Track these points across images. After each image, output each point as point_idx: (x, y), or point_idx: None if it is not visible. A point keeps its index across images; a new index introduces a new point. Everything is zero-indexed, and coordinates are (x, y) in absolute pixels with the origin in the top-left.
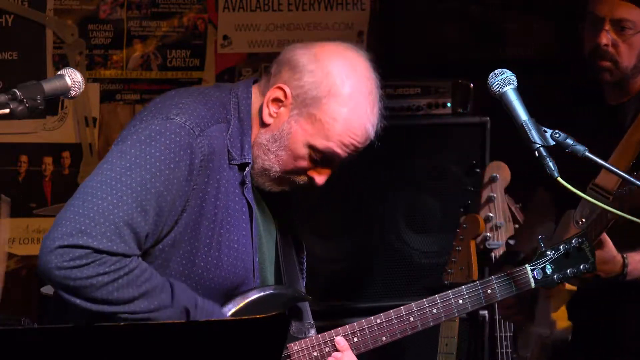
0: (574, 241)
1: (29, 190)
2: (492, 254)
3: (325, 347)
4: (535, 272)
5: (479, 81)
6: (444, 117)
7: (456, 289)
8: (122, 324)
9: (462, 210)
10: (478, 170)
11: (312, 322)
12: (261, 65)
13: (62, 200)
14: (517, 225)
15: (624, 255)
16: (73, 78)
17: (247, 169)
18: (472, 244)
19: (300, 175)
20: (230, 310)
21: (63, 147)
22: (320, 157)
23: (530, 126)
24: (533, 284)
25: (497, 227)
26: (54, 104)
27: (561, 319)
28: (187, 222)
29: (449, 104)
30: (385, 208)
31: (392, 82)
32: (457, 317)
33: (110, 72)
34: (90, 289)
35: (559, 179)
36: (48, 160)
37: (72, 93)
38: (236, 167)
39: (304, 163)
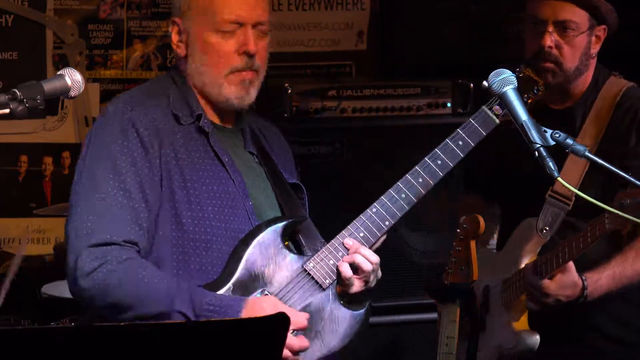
0: (517, 69)
1: (29, 190)
2: None
3: (337, 253)
4: (493, 109)
5: (479, 81)
6: (444, 117)
7: (432, 154)
8: (122, 324)
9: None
10: None
11: (322, 240)
12: None
13: (62, 200)
14: None
15: (583, 278)
16: (73, 78)
17: (202, 118)
18: (472, 244)
19: (236, 60)
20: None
21: (63, 147)
22: (229, 31)
23: (530, 126)
24: (496, 119)
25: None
26: (54, 104)
27: (525, 329)
28: (164, 191)
29: (449, 104)
30: None
31: (392, 82)
32: (457, 317)
33: (110, 72)
34: (102, 293)
35: (559, 179)
36: (48, 160)
37: (72, 93)
38: (192, 125)
39: (225, 48)
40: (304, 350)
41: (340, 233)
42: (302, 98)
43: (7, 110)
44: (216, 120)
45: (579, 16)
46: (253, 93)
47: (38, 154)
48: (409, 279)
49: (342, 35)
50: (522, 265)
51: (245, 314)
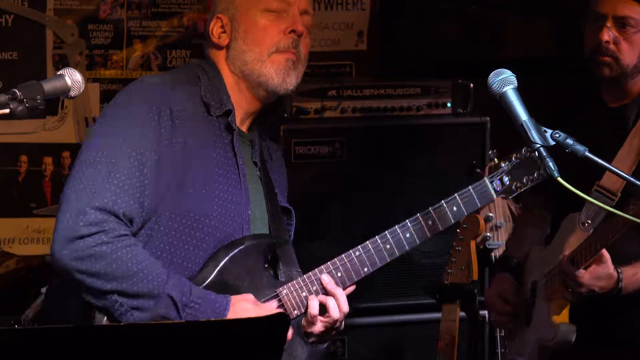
0: (523, 150)
1: (29, 190)
2: (492, 254)
3: (312, 286)
4: (494, 184)
5: (479, 81)
6: (444, 117)
7: (425, 212)
8: (122, 324)
9: None
10: (478, 170)
11: (299, 269)
12: None
13: None
14: None
15: (619, 270)
16: (73, 78)
17: (231, 115)
18: (472, 244)
19: (282, 38)
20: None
21: (63, 147)
22: (276, 11)
23: (530, 126)
24: (494, 195)
25: (497, 227)
26: (54, 104)
27: (564, 321)
28: (176, 175)
29: (449, 104)
30: (385, 208)
31: (392, 82)
32: (457, 317)
33: (110, 72)
34: (91, 260)
35: (559, 179)
36: (48, 160)
37: (72, 93)
38: (218, 118)
39: (272, 28)
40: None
41: (320, 267)
42: (302, 98)
43: (7, 110)
44: (237, 120)
45: (639, 13)
46: (293, 78)
47: (38, 154)
48: (409, 279)
49: (342, 35)
50: None
51: (231, 311)
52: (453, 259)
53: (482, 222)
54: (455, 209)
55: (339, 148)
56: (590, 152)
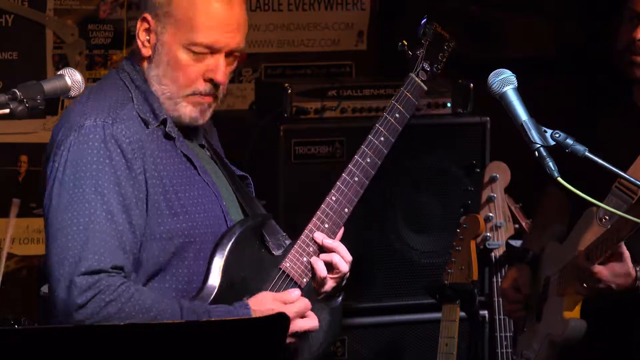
0: (426, 29)
1: (29, 190)
2: (492, 254)
3: (308, 248)
4: (419, 75)
5: (479, 81)
6: (444, 117)
7: (374, 131)
8: (122, 324)
9: (462, 210)
10: (478, 170)
11: (284, 233)
12: (261, 65)
13: None
14: (517, 225)
15: (637, 269)
16: (73, 78)
17: (167, 123)
18: (472, 244)
19: (200, 83)
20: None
21: None
22: (201, 53)
23: (530, 126)
24: (425, 86)
25: (497, 227)
26: (54, 104)
27: (575, 317)
28: (150, 205)
29: (449, 104)
30: (385, 208)
31: (392, 82)
32: (457, 317)
33: None
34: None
35: (559, 179)
36: None
37: (72, 93)
38: (158, 129)
39: (192, 68)
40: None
41: (307, 227)
42: (302, 98)
43: (7, 110)
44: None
45: None
46: (208, 115)
47: (38, 154)
48: (409, 279)
49: (342, 35)
50: None
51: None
52: (453, 259)
53: (482, 222)
54: (397, 115)
55: (339, 148)
56: (589, 151)
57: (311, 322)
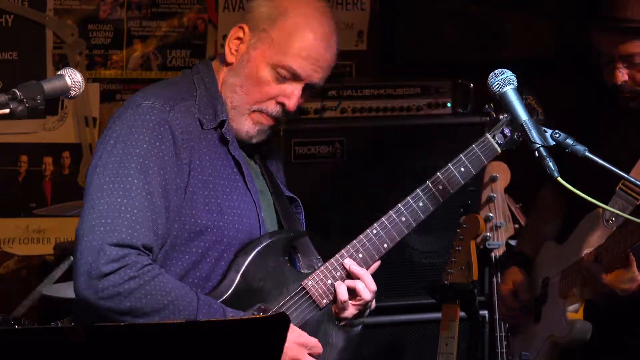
0: (523, 98)
1: (29, 190)
2: (492, 254)
3: (336, 272)
4: (496, 138)
5: (479, 81)
6: (444, 117)
7: (434, 178)
8: (122, 324)
9: (462, 210)
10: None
11: (318, 256)
12: None
13: (62, 200)
14: (517, 225)
15: None
16: (73, 78)
17: (225, 125)
18: (472, 244)
19: (271, 103)
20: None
21: (63, 147)
22: (283, 77)
23: (530, 126)
24: (499, 149)
25: (497, 227)
26: (54, 104)
27: (579, 318)
28: (187, 196)
29: (449, 104)
30: (385, 208)
31: (392, 82)
32: (457, 317)
33: (110, 72)
34: (119, 297)
35: (559, 179)
36: (48, 160)
37: (72, 93)
38: (214, 130)
39: (269, 88)
40: None
41: (340, 252)
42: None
43: (7, 110)
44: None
45: None
46: (264, 136)
47: (38, 154)
48: (409, 279)
49: (342, 35)
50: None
51: None
52: (453, 259)
53: (482, 222)
54: (462, 169)
55: (339, 148)
56: (589, 151)
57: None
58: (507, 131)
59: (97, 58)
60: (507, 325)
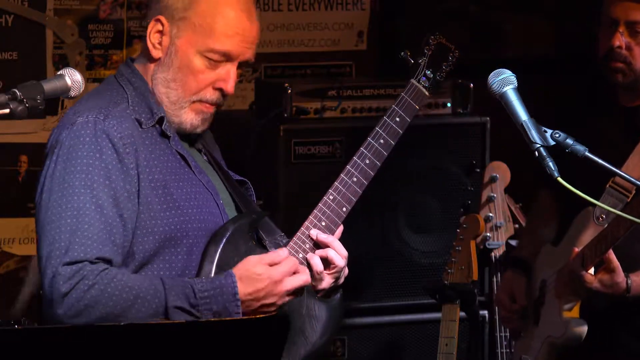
0: (430, 39)
1: (29, 190)
2: (492, 254)
3: (304, 245)
4: (421, 82)
5: (479, 81)
6: (444, 117)
7: (374, 133)
8: (122, 324)
9: (462, 210)
10: (478, 170)
11: (282, 233)
12: (261, 65)
13: None
14: (517, 225)
15: (629, 281)
16: (73, 78)
17: (164, 122)
18: (472, 244)
19: (209, 91)
20: (211, 269)
21: None
22: (216, 61)
23: (530, 126)
24: (427, 92)
25: (497, 227)
26: (54, 104)
27: (574, 317)
28: (142, 200)
29: (449, 104)
30: (385, 208)
31: (392, 82)
32: (457, 317)
33: (110, 72)
34: (87, 310)
35: (559, 179)
36: None
37: (72, 93)
38: (154, 128)
39: (204, 76)
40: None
41: (304, 224)
42: (302, 98)
43: (7, 110)
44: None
45: None
46: (207, 124)
47: (38, 154)
48: (409, 279)
49: (342, 35)
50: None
51: (241, 285)
52: (453, 259)
53: (482, 222)
54: (398, 119)
55: (339, 148)
56: (589, 151)
57: (301, 277)
58: (429, 73)
59: (97, 58)
60: (509, 330)
